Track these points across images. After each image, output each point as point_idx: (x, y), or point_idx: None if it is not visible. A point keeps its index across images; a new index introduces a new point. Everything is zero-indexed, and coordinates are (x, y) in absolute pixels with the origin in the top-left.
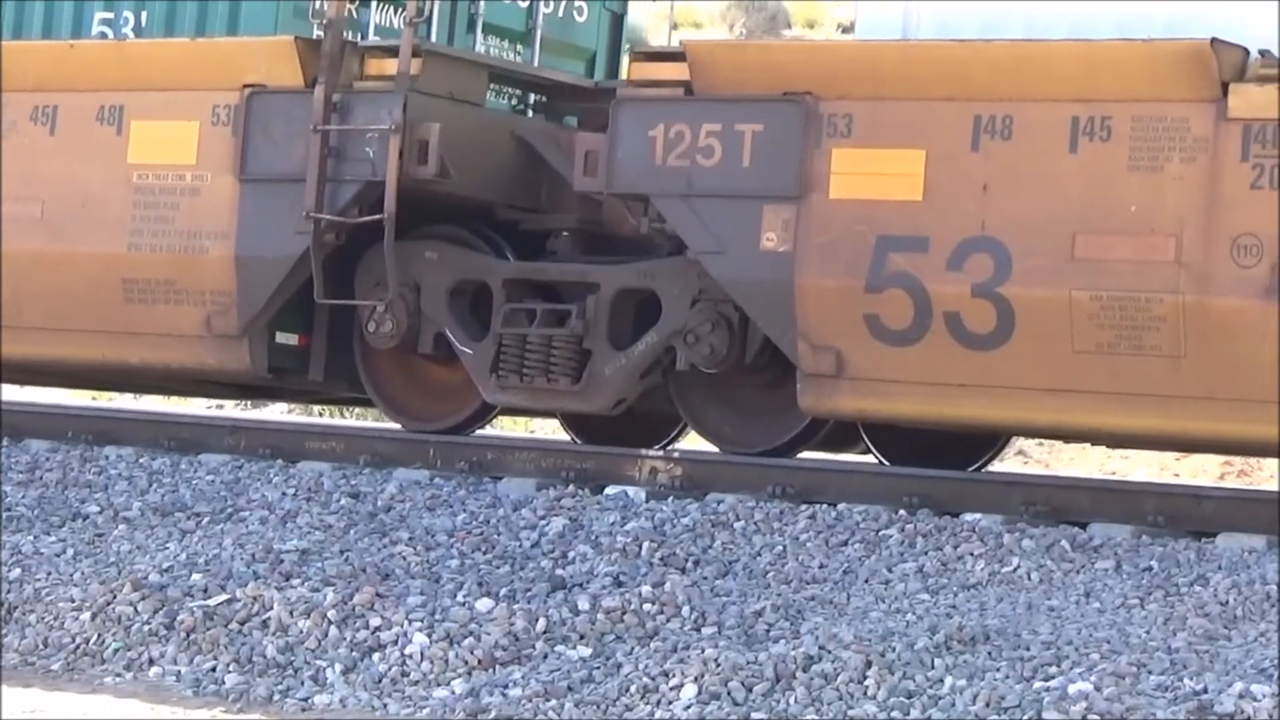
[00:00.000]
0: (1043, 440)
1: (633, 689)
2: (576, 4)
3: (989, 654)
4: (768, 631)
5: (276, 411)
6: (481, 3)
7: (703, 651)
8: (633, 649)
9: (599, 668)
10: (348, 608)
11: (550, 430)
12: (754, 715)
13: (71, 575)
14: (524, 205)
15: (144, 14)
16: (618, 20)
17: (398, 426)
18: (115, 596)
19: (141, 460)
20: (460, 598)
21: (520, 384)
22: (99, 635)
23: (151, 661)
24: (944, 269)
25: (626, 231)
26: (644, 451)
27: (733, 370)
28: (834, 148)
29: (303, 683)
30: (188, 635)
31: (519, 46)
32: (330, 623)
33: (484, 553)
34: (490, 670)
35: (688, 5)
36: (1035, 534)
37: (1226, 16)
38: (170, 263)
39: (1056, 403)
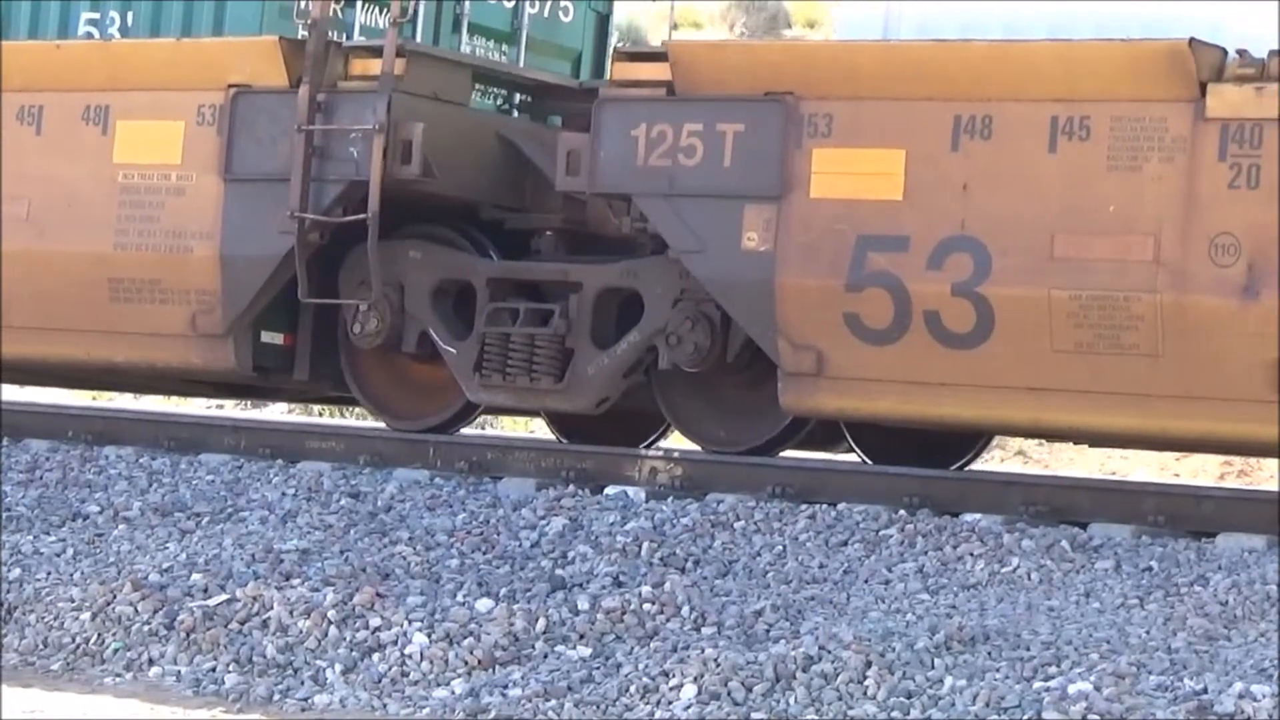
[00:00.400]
0: (1043, 440)
1: (633, 689)
2: (562, 4)
3: (989, 654)
4: (768, 631)
5: (276, 411)
6: (467, 3)
7: (703, 651)
8: (633, 649)
9: (599, 668)
10: (348, 608)
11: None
12: (754, 715)
13: (71, 575)
14: (508, 205)
15: (130, 14)
16: (603, 20)
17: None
18: (115, 596)
19: (141, 460)
20: (460, 598)
21: (503, 383)
22: (99, 635)
23: (151, 661)
24: (924, 268)
25: (610, 231)
26: (644, 451)
27: (715, 369)
28: (815, 147)
29: (303, 683)
30: (188, 635)
31: (504, 47)
32: (330, 623)
33: (484, 553)
34: (490, 670)
35: (688, 5)
36: (1035, 534)
37: (1205, 17)
38: (156, 262)
39: (1036, 401)
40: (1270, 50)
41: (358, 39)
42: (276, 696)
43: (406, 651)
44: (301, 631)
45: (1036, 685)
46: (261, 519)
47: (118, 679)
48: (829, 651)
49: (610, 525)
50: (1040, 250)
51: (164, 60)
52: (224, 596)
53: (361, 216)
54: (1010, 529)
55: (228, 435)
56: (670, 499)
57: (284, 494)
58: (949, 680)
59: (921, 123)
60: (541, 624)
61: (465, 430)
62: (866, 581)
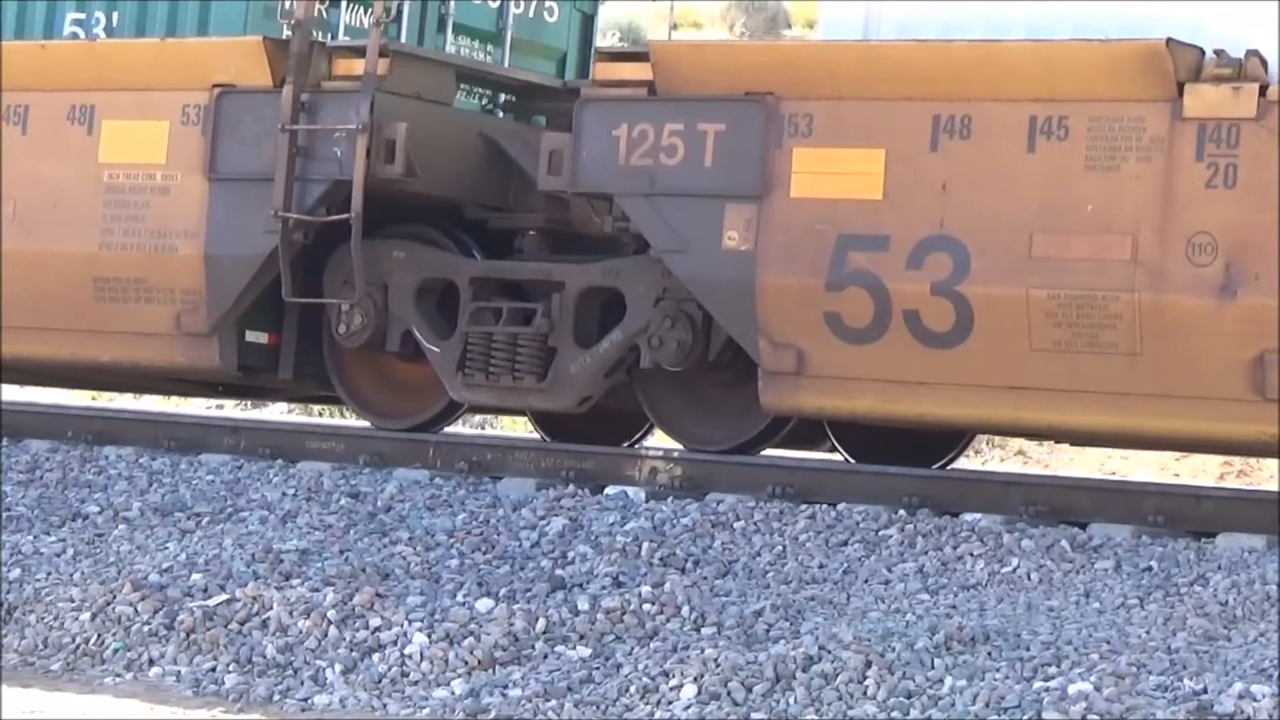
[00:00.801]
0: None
1: (632, 689)
2: (547, 4)
3: (989, 654)
4: (768, 631)
5: (276, 411)
6: (452, 3)
7: (703, 651)
8: (632, 649)
9: (599, 668)
10: (347, 608)
11: None
12: (754, 715)
13: (71, 575)
14: (492, 204)
15: (115, 14)
16: (588, 20)
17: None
18: (115, 596)
19: (141, 460)
20: (460, 598)
21: (486, 382)
22: (99, 635)
23: (151, 661)
24: (903, 267)
25: (593, 231)
26: (644, 451)
27: (696, 368)
28: (795, 147)
29: (303, 683)
30: (188, 635)
31: (489, 47)
32: (330, 623)
33: (484, 553)
34: (490, 670)
35: (688, 5)
36: (1035, 534)
37: (1183, 17)
38: (141, 261)
39: (1015, 400)
40: (1247, 50)
41: (342, 39)
42: (276, 696)
43: (406, 651)
44: (301, 631)
45: (1036, 685)
46: (261, 519)
47: (118, 679)
48: (829, 651)
49: (610, 525)
50: (1019, 250)
51: (149, 60)
52: (224, 596)
53: (345, 216)
54: (1010, 529)
55: (228, 435)
56: (670, 499)
57: (284, 494)
58: (949, 680)
59: (901, 123)
60: (541, 624)
61: (465, 430)
62: (866, 581)
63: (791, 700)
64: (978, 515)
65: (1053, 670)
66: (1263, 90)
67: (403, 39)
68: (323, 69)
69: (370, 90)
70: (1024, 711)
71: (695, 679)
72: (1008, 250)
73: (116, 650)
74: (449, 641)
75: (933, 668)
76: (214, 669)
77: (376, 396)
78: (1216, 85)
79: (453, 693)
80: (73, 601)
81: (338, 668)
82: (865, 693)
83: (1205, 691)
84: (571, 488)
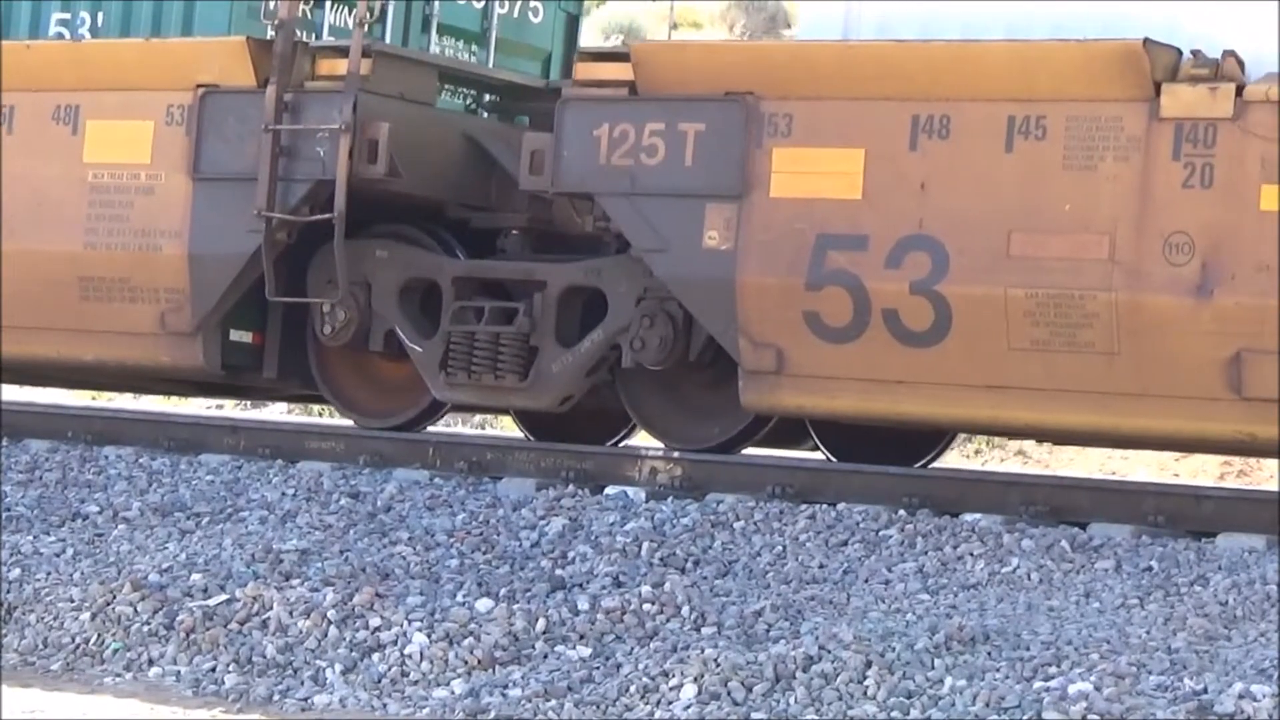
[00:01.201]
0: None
1: (633, 689)
2: (532, 5)
3: (989, 654)
4: (768, 631)
5: (276, 411)
6: (436, 3)
7: (703, 651)
8: (632, 649)
9: (599, 668)
10: (347, 608)
11: None
12: (754, 715)
13: (71, 575)
14: (474, 204)
15: (100, 14)
16: (573, 21)
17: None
18: (115, 596)
19: (141, 460)
20: (460, 598)
21: (468, 381)
22: (99, 635)
23: (151, 661)
24: (882, 267)
25: (576, 230)
26: (644, 451)
27: (677, 367)
28: (775, 147)
29: (303, 683)
30: (187, 635)
31: (474, 47)
32: (330, 623)
33: (484, 553)
34: (490, 670)
35: (688, 5)
36: (1035, 534)
37: (1161, 17)
38: (125, 261)
39: (993, 399)
40: (1224, 50)
41: (326, 39)
42: (276, 696)
43: (406, 651)
44: (301, 631)
45: (1036, 685)
46: (261, 519)
47: (118, 679)
48: (829, 651)
49: (610, 525)
50: (997, 249)
51: (133, 60)
52: (224, 596)
53: (328, 216)
54: (1010, 529)
55: (228, 435)
56: (670, 499)
57: (284, 494)
58: (949, 680)
59: (880, 122)
60: (541, 624)
61: (465, 430)
62: (866, 581)
63: (791, 700)
64: (978, 515)
65: (1053, 670)
66: (1239, 90)
67: (387, 39)
68: (306, 69)
69: (353, 90)
70: (1024, 711)
71: (695, 679)
72: (986, 250)
73: (116, 650)
74: (449, 641)
75: (933, 668)
76: (214, 669)
77: (360, 395)
78: (1193, 85)
79: (453, 693)
80: (73, 601)
81: (338, 668)
82: (865, 693)
83: (1205, 691)
84: (571, 488)
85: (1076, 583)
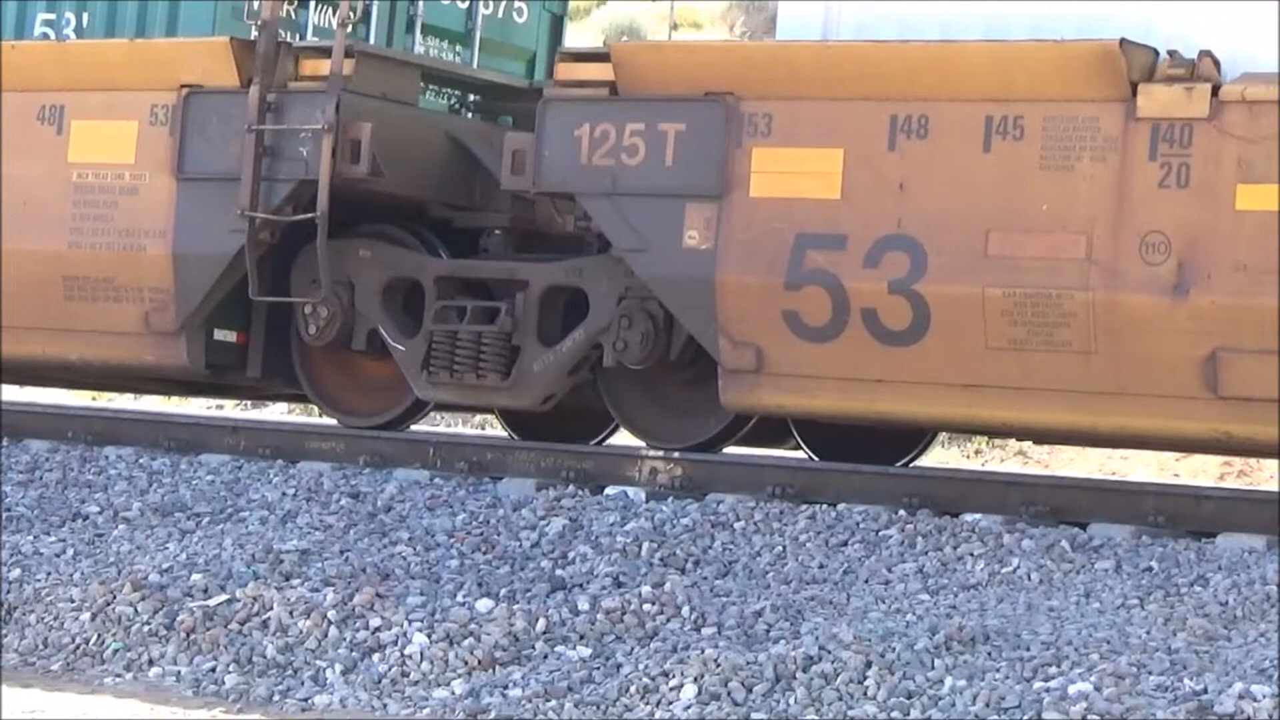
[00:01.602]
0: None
1: (633, 689)
2: (516, 5)
3: (989, 654)
4: (768, 631)
5: (276, 411)
6: (420, 4)
7: (703, 651)
8: (633, 649)
9: (599, 668)
10: (348, 608)
11: None
12: (754, 715)
13: (71, 575)
14: (457, 203)
15: (85, 15)
16: (558, 21)
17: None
18: (115, 596)
19: (141, 460)
20: (460, 598)
21: (450, 380)
22: (99, 635)
23: (151, 661)
24: (861, 266)
25: (558, 230)
26: (644, 451)
27: (658, 367)
28: (754, 147)
29: (303, 683)
30: (188, 635)
31: (459, 47)
32: (330, 623)
33: (484, 553)
34: (490, 670)
35: (688, 5)
36: (1035, 534)
37: (1138, 17)
38: (109, 260)
39: (971, 398)
40: (1200, 50)
41: (311, 39)
42: (276, 697)
43: (406, 652)
44: (301, 631)
45: (1036, 685)
46: (261, 519)
47: (118, 679)
48: (829, 651)
49: (610, 525)
50: (975, 248)
51: (118, 61)
52: (224, 596)
53: (311, 215)
54: (1010, 529)
55: (228, 435)
56: (670, 499)
57: (284, 494)
58: (949, 680)
59: (859, 122)
60: (541, 624)
61: (465, 430)
62: (866, 581)
63: (791, 700)
64: (978, 515)
65: (1053, 670)
66: (1215, 90)
67: (371, 40)
68: (289, 69)
69: (336, 91)
70: (1024, 711)
71: (695, 679)
72: (964, 249)
73: (116, 650)
74: (449, 641)
75: (933, 668)
76: (214, 669)
77: (343, 394)
78: (1169, 85)
79: (453, 693)
80: (73, 601)
81: (338, 668)
82: (865, 693)
83: (1205, 691)
84: (571, 488)
85: (1076, 583)
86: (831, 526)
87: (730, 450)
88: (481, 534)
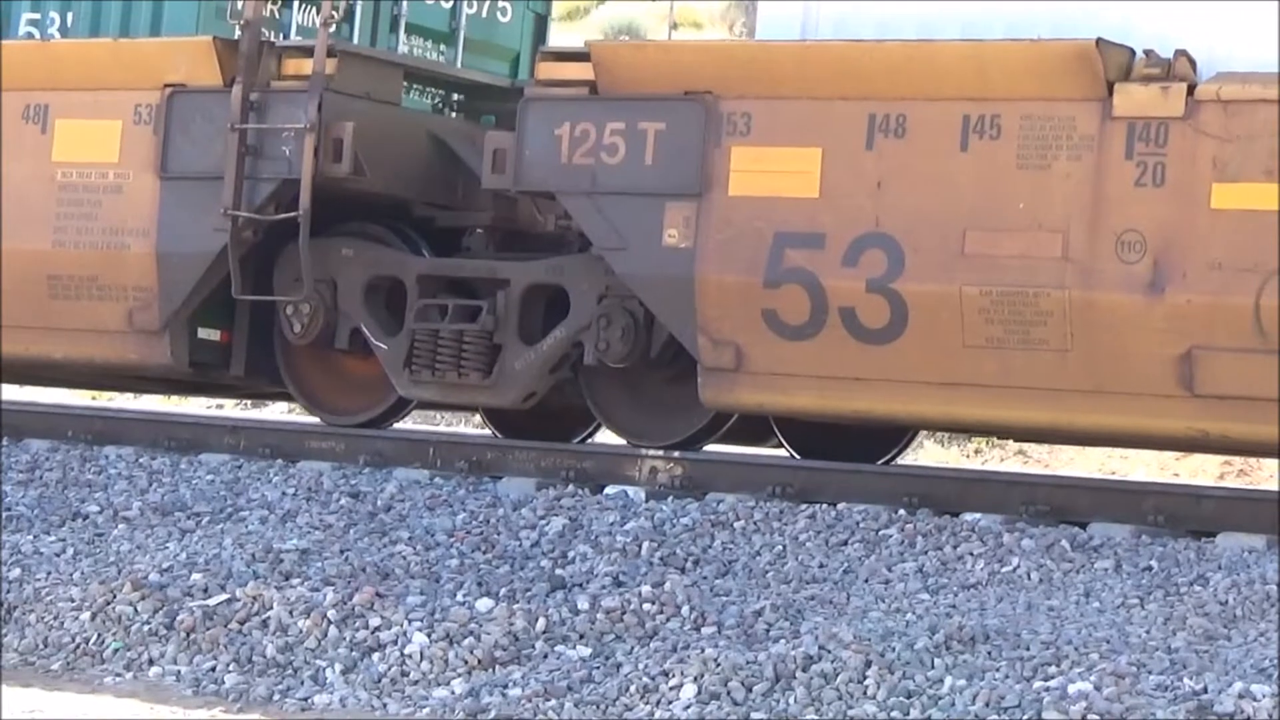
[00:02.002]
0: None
1: (632, 689)
2: (500, 4)
3: (989, 654)
4: (768, 631)
5: (276, 411)
6: (404, 3)
7: (702, 651)
8: (632, 649)
9: (599, 668)
10: (347, 607)
11: None
12: (754, 715)
13: (71, 575)
14: (440, 203)
15: (70, 15)
16: (541, 21)
17: (398, 427)
18: (115, 596)
19: (141, 460)
20: (460, 597)
21: (432, 378)
22: (99, 635)
23: (151, 661)
24: (839, 265)
25: (539, 229)
26: (644, 451)
27: (639, 365)
28: (733, 146)
29: (302, 682)
30: (188, 635)
31: (443, 47)
32: (330, 622)
33: (484, 552)
34: (490, 670)
35: (688, 5)
36: (1035, 534)
37: (1115, 17)
38: (93, 259)
39: (949, 396)
40: (1176, 49)
41: (294, 39)
42: (276, 696)
43: (406, 651)
44: (301, 631)
45: (1036, 685)
46: (261, 519)
47: (118, 679)
48: (829, 651)
49: (610, 525)
50: (952, 247)
51: (102, 60)
52: (224, 596)
53: (293, 214)
54: (1010, 529)
55: (228, 435)
56: (670, 499)
57: (284, 494)
58: (949, 680)
59: (837, 122)
60: (541, 624)
61: (465, 430)
62: (866, 581)
63: (791, 700)
64: (978, 515)
65: (1053, 670)
66: (1191, 90)
67: (355, 39)
68: (272, 69)
69: (318, 90)
70: (1024, 711)
71: (695, 679)
72: (941, 248)
73: (116, 650)
74: (449, 641)
75: (933, 667)
76: (214, 669)
77: (327, 393)
78: (1145, 85)
79: (453, 692)
80: (73, 601)
81: (338, 667)
82: (865, 692)
83: (1205, 691)
84: (571, 487)
85: (1076, 582)
86: (831, 526)
87: (730, 450)
88: (481, 533)
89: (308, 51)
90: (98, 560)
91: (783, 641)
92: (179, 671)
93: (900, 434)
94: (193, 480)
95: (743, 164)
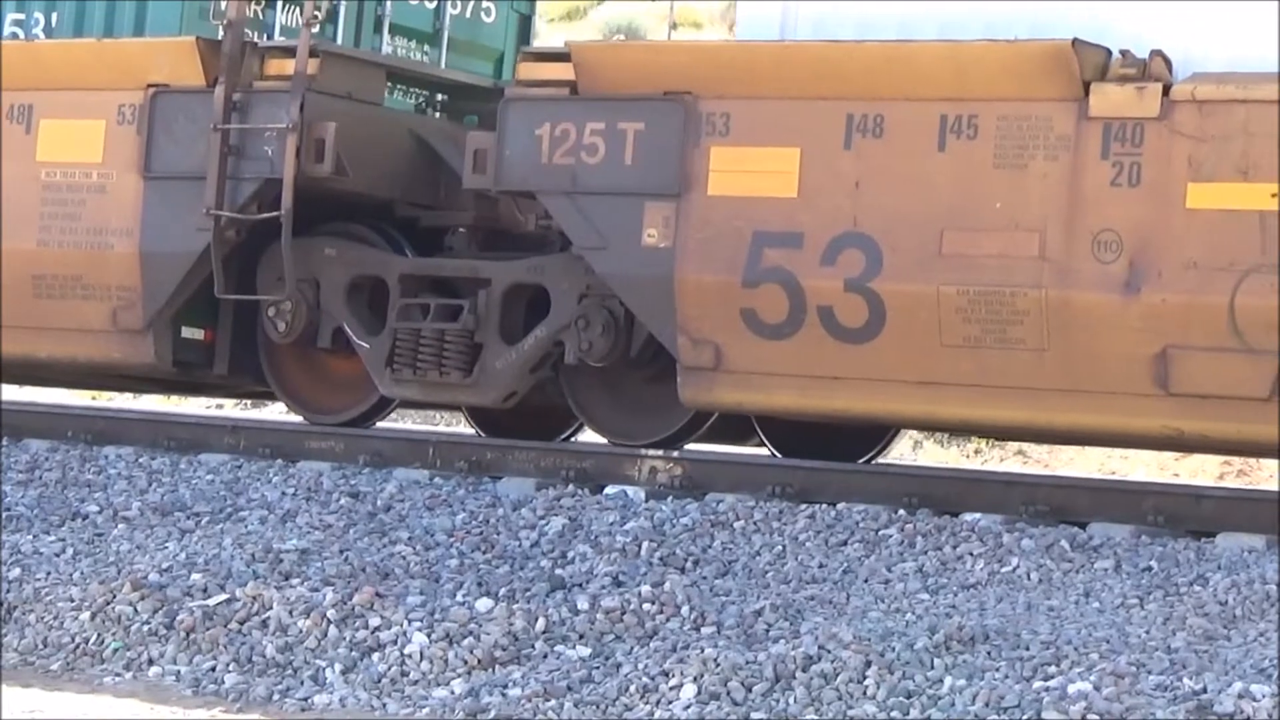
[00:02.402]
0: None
1: (632, 689)
2: (484, 5)
3: (988, 654)
4: (767, 631)
5: (276, 411)
6: (388, 3)
7: (702, 651)
8: (632, 649)
9: (598, 668)
10: (347, 607)
11: None
12: (754, 715)
13: (71, 575)
14: (423, 202)
15: (54, 15)
16: (525, 21)
17: (398, 426)
18: (115, 596)
19: (141, 460)
20: (460, 597)
21: (414, 377)
22: (99, 635)
23: (151, 661)
24: (818, 264)
25: (521, 228)
26: (644, 451)
27: (619, 364)
28: (712, 146)
29: (302, 683)
30: (187, 635)
31: (426, 47)
32: (330, 622)
33: (484, 552)
34: (490, 670)
35: (688, 5)
36: (1035, 534)
37: (1091, 17)
38: (78, 259)
39: (926, 395)
40: (1151, 50)
41: (278, 39)
42: (276, 696)
43: (406, 651)
44: (301, 631)
45: (1036, 685)
46: (261, 519)
47: (117, 679)
48: (829, 651)
49: (610, 525)
50: (929, 247)
51: (86, 60)
52: (224, 596)
53: (276, 214)
54: (1010, 529)
55: (227, 435)
56: (670, 499)
57: (284, 494)
58: (949, 680)
59: (815, 122)
60: (541, 624)
61: (465, 430)
62: (866, 581)
63: (791, 700)
64: (978, 515)
65: (1052, 670)
66: (1166, 90)
67: (339, 39)
68: (255, 69)
69: (300, 90)
70: (1024, 711)
71: (695, 679)
72: (919, 247)
73: (116, 650)
74: (449, 641)
75: (932, 667)
76: (214, 669)
77: (310, 392)
78: (1121, 85)
79: (452, 692)
80: (72, 601)
81: (338, 667)
82: (865, 692)
83: (1205, 691)
84: (571, 487)
85: (1076, 582)
86: (831, 526)
87: (730, 450)
88: (481, 533)
89: (290, 52)
90: (97, 560)
91: (782, 641)
92: (179, 671)
93: (882, 432)
94: (192, 480)
95: (722, 164)
